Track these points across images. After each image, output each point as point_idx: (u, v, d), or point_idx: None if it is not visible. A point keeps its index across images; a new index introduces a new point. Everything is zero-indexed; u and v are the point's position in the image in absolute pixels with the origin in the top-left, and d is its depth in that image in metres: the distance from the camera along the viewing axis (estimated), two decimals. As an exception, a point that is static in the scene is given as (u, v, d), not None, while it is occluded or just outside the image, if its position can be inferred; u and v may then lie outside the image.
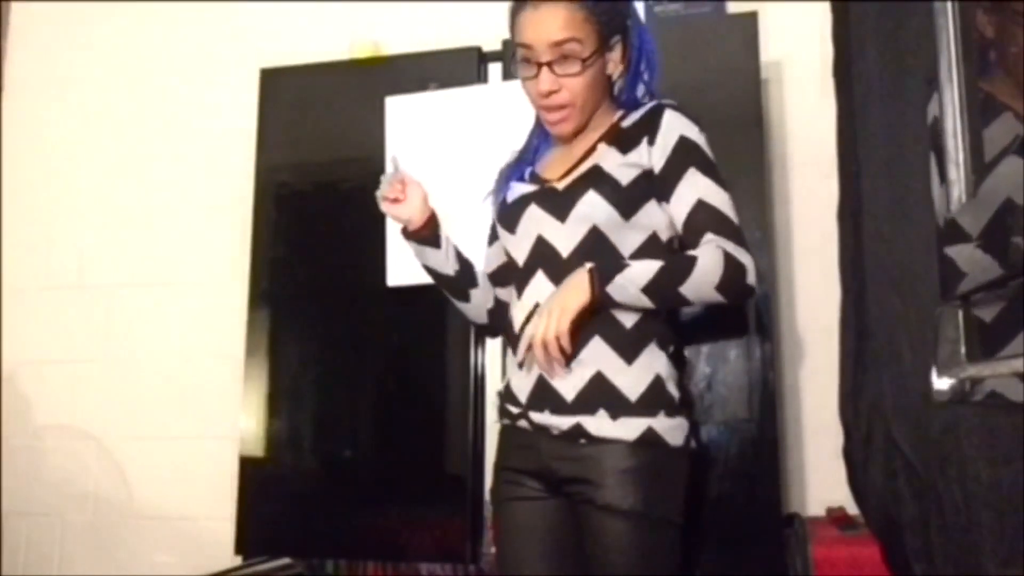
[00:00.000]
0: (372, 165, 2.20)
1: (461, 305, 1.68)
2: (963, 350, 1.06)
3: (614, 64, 1.51)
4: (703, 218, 1.42)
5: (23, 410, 2.76)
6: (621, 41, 1.50)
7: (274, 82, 2.40)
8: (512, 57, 1.50)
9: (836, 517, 1.91)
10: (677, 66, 2.07)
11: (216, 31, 2.83)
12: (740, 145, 2.03)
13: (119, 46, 2.92)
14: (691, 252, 1.40)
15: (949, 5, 1.07)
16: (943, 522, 1.24)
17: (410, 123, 2.19)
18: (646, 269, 1.39)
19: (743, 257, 1.39)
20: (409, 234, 1.61)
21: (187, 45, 2.85)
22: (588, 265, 1.40)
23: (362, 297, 2.23)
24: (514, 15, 1.49)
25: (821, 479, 2.18)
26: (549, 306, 1.39)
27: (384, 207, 1.60)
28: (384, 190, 1.59)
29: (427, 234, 1.60)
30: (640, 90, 1.55)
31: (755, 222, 2.00)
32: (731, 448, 1.93)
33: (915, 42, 1.24)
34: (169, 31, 2.88)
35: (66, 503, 2.69)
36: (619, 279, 1.38)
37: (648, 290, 1.38)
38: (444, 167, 2.08)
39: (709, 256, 1.38)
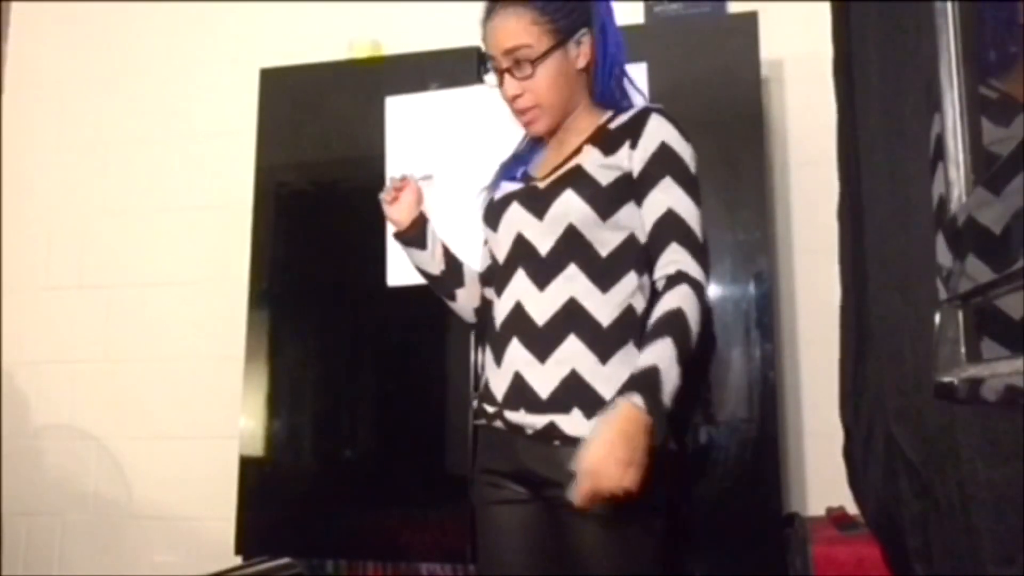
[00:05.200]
0: (372, 165, 2.20)
1: (450, 304, 1.70)
2: (963, 350, 1.05)
3: (584, 57, 1.51)
4: (670, 227, 1.41)
5: (23, 410, 2.77)
6: (589, 34, 1.50)
7: (274, 82, 2.39)
8: (485, 66, 1.55)
9: (836, 517, 1.91)
10: (677, 66, 2.08)
11: (216, 31, 2.83)
12: (740, 145, 2.03)
13: (119, 46, 2.92)
14: (671, 303, 1.36)
15: (949, 5, 1.07)
16: (943, 522, 1.24)
17: (410, 123, 2.20)
18: (668, 371, 1.31)
19: (701, 279, 1.39)
20: (396, 235, 1.68)
21: (187, 45, 2.86)
22: (639, 404, 1.26)
23: (362, 297, 2.23)
24: (481, 27, 1.53)
25: (821, 479, 2.18)
26: (616, 454, 1.24)
27: (384, 208, 1.67)
28: (383, 192, 1.66)
29: (412, 235, 1.65)
30: (611, 83, 1.54)
31: (755, 222, 2.01)
32: (731, 448, 1.93)
33: (915, 42, 1.23)
34: (169, 31, 2.88)
35: (66, 503, 2.69)
36: (663, 398, 1.30)
37: (679, 380, 1.33)
38: (444, 167, 2.08)
39: (687, 302, 1.36)
